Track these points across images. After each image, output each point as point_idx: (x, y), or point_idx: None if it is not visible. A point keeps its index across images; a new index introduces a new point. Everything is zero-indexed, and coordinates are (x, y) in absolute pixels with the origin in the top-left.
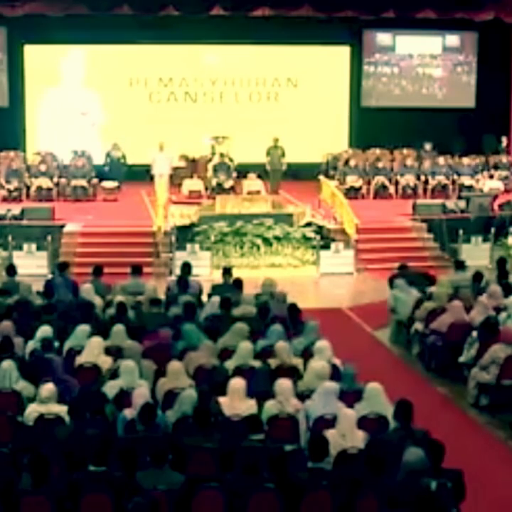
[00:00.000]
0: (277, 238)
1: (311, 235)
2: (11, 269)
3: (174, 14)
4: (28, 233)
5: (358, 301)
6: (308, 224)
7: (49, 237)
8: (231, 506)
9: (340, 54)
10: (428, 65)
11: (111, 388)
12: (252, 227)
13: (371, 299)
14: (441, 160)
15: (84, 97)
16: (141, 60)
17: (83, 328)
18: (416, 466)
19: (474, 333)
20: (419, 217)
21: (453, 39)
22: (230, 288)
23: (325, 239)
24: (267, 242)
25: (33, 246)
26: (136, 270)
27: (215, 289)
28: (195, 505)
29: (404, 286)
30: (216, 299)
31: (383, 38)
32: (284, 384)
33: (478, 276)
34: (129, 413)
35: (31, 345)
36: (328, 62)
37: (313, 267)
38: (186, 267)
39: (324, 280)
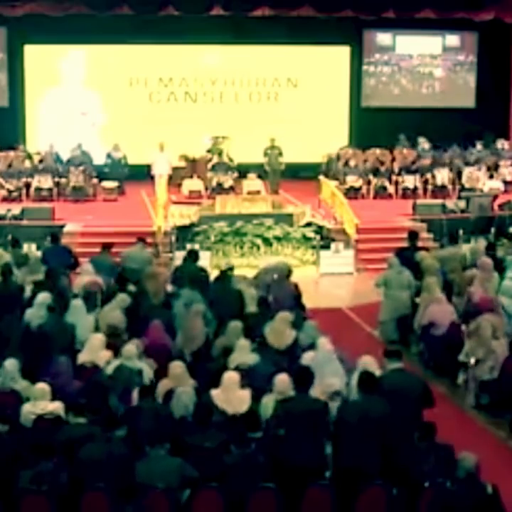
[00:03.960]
0: (277, 238)
1: (311, 235)
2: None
3: (174, 14)
4: (28, 233)
5: (358, 301)
6: (308, 224)
7: (49, 237)
8: (231, 506)
9: (340, 54)
10: (428, 64)
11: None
12: (252, 227)
13: (371, 299)
14: (440, 160)
15: (84, 97)
16: (141, 60)
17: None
18: (472, 470)
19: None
20: (419, 217)
21: (453, 39)
22: None
23: (325, 239)
24: (267, 242)
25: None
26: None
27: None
28: (195, 505)
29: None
30: None
31: (383, 38)
32: (282, 379)
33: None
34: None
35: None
36: (328, 62)
37: (313, 267)
38: (193, 254)
39: (324, 280)
